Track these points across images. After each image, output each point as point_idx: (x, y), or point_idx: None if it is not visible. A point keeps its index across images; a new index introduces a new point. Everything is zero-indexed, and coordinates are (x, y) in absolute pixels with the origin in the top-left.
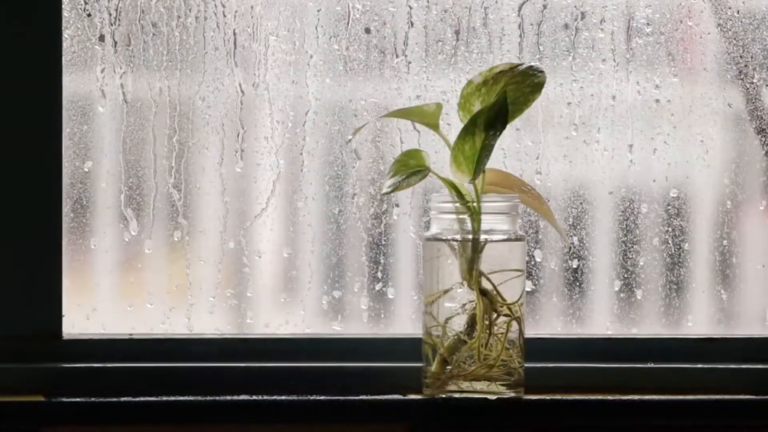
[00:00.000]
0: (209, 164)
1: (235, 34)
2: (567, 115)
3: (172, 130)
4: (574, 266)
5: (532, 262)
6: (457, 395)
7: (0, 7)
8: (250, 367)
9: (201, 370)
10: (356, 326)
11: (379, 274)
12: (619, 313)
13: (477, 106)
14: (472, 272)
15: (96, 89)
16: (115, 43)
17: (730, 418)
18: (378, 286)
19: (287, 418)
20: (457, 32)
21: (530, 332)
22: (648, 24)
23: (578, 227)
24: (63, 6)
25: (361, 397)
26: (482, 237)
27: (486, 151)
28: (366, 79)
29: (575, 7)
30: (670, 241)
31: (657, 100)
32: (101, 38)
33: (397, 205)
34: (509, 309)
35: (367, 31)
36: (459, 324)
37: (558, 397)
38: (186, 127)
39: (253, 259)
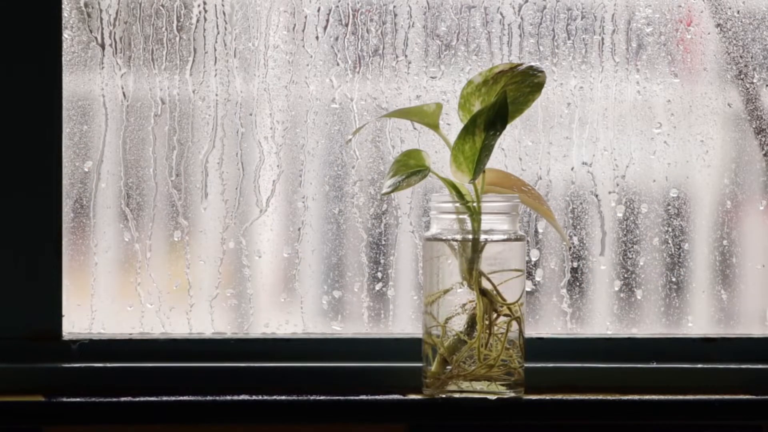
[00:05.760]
0: (209, 164)
1: (235, 36)
2: (567, 115)
3: (172, 129)
4: (574, 266)
5: (532, 263)
6: (457, 395)
7: None
8: (250, 367)
9: (201, 370)
10: (356, 326)
11: (379, 274)
12: (619, 313)
13: (477, 106)
14: (472, 272)
15: (96, 89)
16: (115, 43)
17: (730, 418)
18: (378, 286)
19: (287, 418)
20: (457, 32)
21: (530, 332)
22: (648, 24)
23: (578, 227)
24: (63, 6)
25: (361, 397)
26: (482, 237)
27: (486, 151)
28: (366, 79)
29: (575, 7)
30: (670, 241)
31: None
32: (101, 39)
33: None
34: (509, 309)
35: (368, 30)
36: (459, 324)
37: (558, 397)
38: (186, 127)
39: (253, 259)
